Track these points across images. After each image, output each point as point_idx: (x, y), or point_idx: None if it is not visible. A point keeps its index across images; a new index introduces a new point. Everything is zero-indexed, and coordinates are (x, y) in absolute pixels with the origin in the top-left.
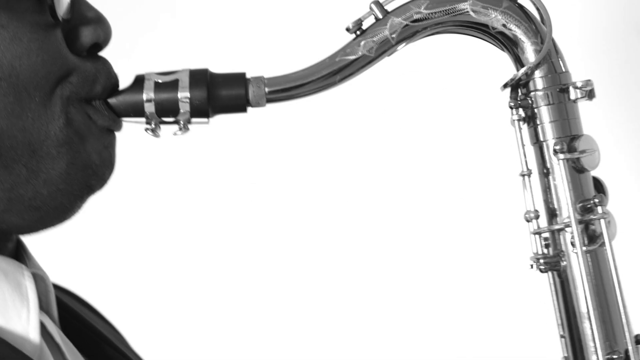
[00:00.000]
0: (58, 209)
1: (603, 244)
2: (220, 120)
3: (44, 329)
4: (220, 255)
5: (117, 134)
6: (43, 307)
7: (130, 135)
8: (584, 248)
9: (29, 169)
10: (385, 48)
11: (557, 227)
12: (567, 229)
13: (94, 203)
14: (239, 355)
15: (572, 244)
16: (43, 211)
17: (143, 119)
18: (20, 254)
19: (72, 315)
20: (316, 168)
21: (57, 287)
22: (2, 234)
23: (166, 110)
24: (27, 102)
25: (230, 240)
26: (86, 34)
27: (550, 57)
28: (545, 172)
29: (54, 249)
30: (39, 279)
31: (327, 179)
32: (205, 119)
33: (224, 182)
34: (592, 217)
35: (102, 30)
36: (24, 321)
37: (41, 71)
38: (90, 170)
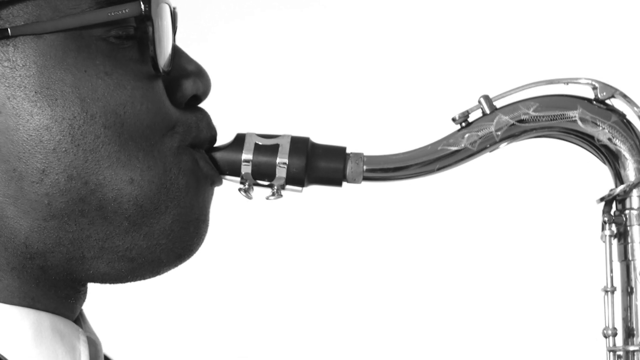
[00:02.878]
0: (154, 262)
1: None
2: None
3: None
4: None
5: None
6: None
7: None
8: None
9: (132, 222)
10: (488, 144)
11: (632, 348)
12: None
13: None
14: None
15: None
16: (137, 263)
17: (238, 179)
18: (77, 316)
19: None
20: None
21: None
22: (81, 280)
23: (262, 174)
24: (134, 152)
25: (230, 241)
26: (187, 86)
27: None
28: (629, 291)
29: None
30: (92, 343)
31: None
32: (299, 188)
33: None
34: None
35: (202, 82)
36: None
37: (145, 120)
38: (192, 228)
